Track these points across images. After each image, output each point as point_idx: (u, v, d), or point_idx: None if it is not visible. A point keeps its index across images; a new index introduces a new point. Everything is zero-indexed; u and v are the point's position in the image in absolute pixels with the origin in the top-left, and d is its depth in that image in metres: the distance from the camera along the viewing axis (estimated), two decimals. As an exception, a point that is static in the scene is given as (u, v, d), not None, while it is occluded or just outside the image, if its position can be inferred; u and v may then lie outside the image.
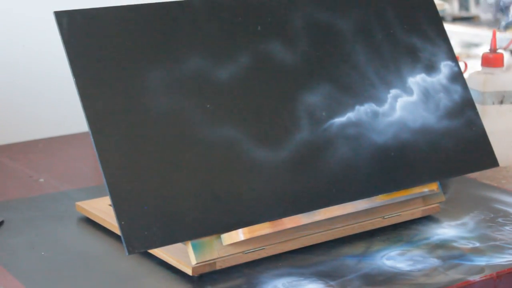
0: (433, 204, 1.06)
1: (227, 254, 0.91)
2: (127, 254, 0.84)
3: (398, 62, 1.06)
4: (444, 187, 1.17)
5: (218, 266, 0.91)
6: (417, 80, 1.07)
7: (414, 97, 1.06)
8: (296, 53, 1.01)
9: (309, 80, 1.00)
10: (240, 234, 0.90)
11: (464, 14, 3.88)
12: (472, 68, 1.44)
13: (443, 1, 1.54)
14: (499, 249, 0.98)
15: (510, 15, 1.26)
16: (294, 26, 1.02)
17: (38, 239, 1.03)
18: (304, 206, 0.94)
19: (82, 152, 1.45)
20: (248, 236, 0.91)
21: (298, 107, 0.98)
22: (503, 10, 1.23)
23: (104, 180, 0.86)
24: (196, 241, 0.89)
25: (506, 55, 1.34)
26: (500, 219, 1.07)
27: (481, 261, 0.95)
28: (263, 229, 0.92)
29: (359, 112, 1.01)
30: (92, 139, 0.87)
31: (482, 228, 1.04)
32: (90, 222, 1.08)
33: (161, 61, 0.93)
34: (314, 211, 0.95)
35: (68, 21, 0.90)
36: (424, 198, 1.05)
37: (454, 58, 1.11)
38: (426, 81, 1.07)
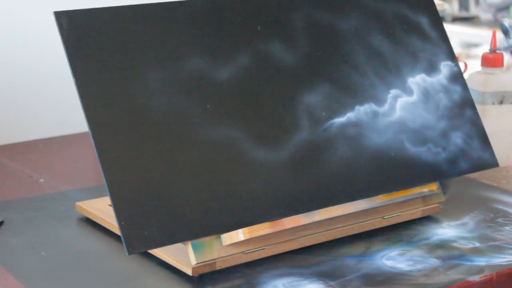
0: (433, 204, 1.06)
1: (227, 254, 0.91)
2: (127, 254, 0.84)
3: (398, 62, 1.06)
4: (444, 187, 1.16)
5: (218, 266, 0.91)
6: (417, 80, 1.07)
7: (414, 97, 1.06)
8: (296, 53, 1.01)
9: (309, 80, 1.00)
10: (240, 234, 0.90)
11: (464, 14, 3.88)
12: (472, 68, 1.43)
13: (443, 1, 1.54)
14: (499, 249, 0.98)
15: None
16: (294, 26, 1.02)
17: (38, 239, 1.03)
18: (304, 206, 0.94)
19: (82, 152, 1.45)
20: (248, 236, 0.91)
21: (298, 107, 0.98)
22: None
23: (104, 180, 0.86)
24: (196, 241, 0.89)
25: (506, 55, 1.34)
26: (500, 219, 1.07)
27: (481, 261, 0.95)
28: (263, 229, 0.92)
29: (359, 112, 1.01)
30: (92, 139, 0.87)
31: (482, 228, 1.04)
32: (90, 222, 1.08)
33: (161, 61, 0.93)
34: (314, 211, 0.95)
35: (68, 21, 0.90)
36: (424, 198, 1.05)
37: (454, 58, 1.11)
38: (426, 81, 1.07)
